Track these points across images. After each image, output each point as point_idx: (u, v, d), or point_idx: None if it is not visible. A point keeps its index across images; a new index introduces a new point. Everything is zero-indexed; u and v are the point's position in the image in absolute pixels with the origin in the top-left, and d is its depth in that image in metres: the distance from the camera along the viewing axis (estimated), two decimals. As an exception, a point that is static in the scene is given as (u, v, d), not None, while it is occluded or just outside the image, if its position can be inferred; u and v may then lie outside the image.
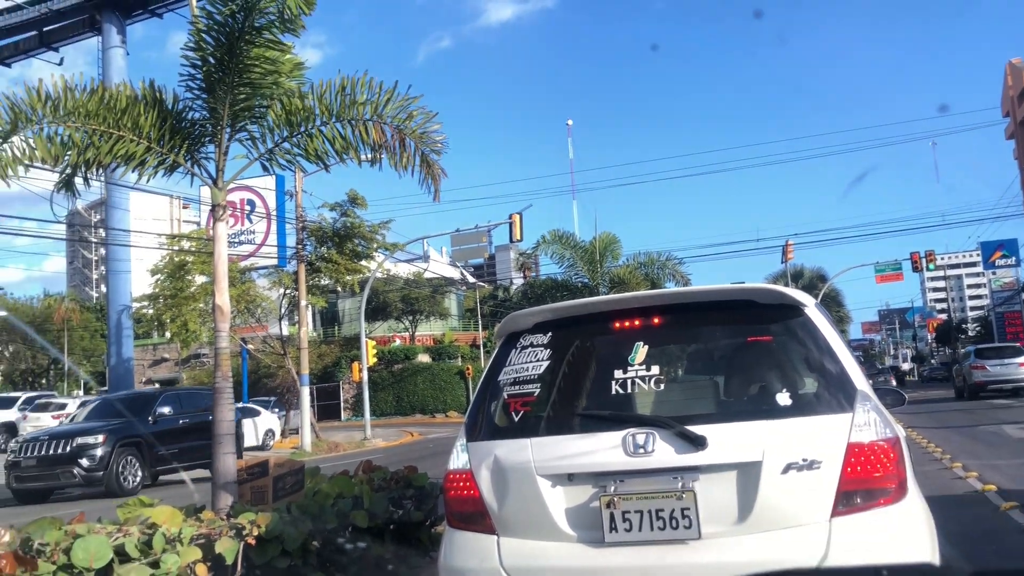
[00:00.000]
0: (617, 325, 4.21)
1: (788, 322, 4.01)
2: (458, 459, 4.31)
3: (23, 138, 6.99)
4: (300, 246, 29.56)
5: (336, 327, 57.35)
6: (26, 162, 7.03)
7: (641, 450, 3.69)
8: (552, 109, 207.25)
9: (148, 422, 16.87)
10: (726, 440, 3.63)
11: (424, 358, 51.60)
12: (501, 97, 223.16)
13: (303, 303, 29.54)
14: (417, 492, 8.06)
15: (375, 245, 31.36)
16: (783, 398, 3.77)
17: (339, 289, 38.12)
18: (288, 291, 32.24)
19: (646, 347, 4.02)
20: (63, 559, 4.84)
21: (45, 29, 39.21)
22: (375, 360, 35.42)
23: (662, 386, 3.94)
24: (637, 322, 4.15)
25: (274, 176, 29.09)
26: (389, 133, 7.38)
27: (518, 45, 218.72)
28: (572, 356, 4.32)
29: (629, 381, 3.96)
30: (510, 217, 30.15)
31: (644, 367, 3.96)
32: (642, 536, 3.65)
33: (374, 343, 36.33)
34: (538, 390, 4.18)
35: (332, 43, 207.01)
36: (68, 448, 15.51)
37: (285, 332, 34.02)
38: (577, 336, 4.38)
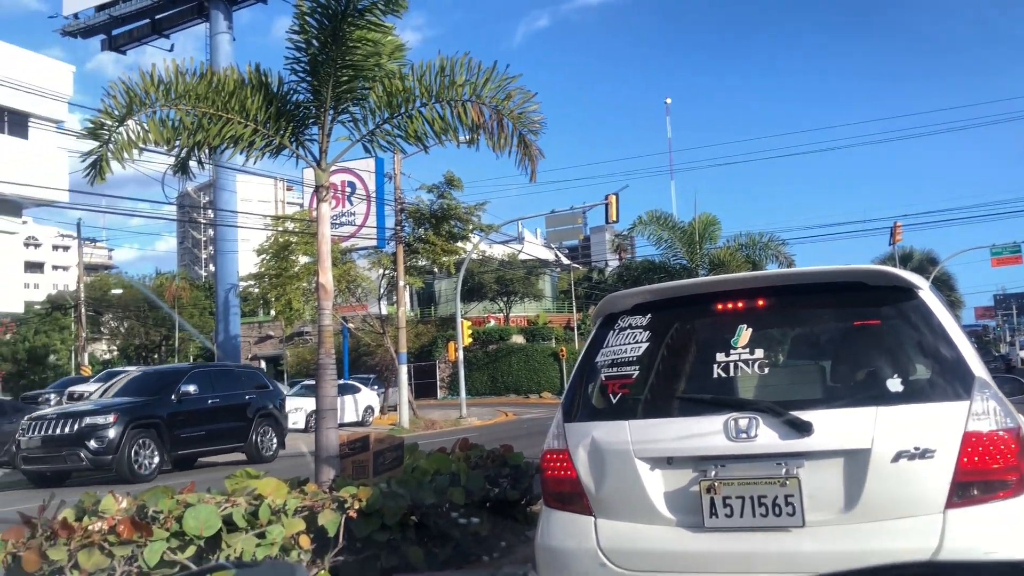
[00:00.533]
0: (720, 307, 4.12)
1: (900, 305, 3.85)
2: (555, 439, 4.32)
3: (137, 121, 7.28)
4: (398, 227, 30.04)
5: (432, 307, 58.16)
6: (140, 145, 7.33)
7: (744, 435, 3.62)
8: (650, 88, 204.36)
9: (171, 401, 15.43)
10: (833, 426, 3.52)
11: (518, 339, 51.85)
12: (597, 76, 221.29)
13: (401, 283, 30.05)
14: (513, 471, 8.12)
15: (471, 226, 31.61)
16: (894, 384, 3.62)
17: (436, 270, 38.63)
18: (387, 271, 32.84)
19: (750, 330, 3.92)
20: (175, 526, 5.06)
21: (157, 17, 40.72)
22: (470, 340, 35.80)
23: (766, 370, 3.85)
24: (740, 304, 4.06)
25: (373, 158, 29.53)
26: (487, 113, 7.39)
27: (617, 23, 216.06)
28: (672, 338, 4.25)
29: (731, 364, 3.88)
30: (606, 198, 29.92)
31: (747, 350, 3.88)
32: (743, 522, 3.58)
33: (469, 323, 36.71)
34: (636, 372, 4.13)
35: (431, 25, 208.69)
36: (75, 428, 13.94)
37: (384, 311, 34.69)
38: (677, 318, 4.31)
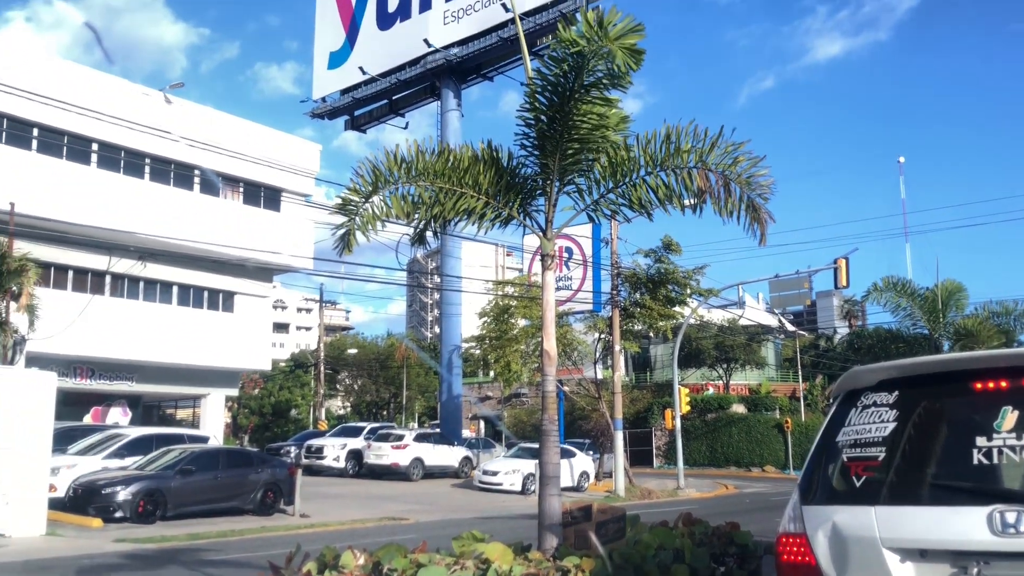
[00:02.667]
0: (979, 386, 3.81)
1: None
2: (792, 522, 4.13)
3: (381, 197, 7.83)
4: (615, 292, 30.15)
5: (648, 373, 57.53)
6: (383, 219, 7.86)
7: (1012, 529, 3.30)
8: (881, 147, 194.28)
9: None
10: None
11: (739, 408, 50.02)
12: (824, 136, 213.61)
13: (617, 348, 30.01)
14: (740, 550, 7.79)
15: (689, 291, 31.16)
16: None
17: (652, 334, 38.29)
18: (602, 335, 32.93)
19: (1016, 412, 3.58)
20: (409, 585, 5.25)
21: (394, 98, 44.03)
22: (688, 408, 34.98)
23: None
24: (1004, 383, 3.73)
25: (591, 224, 30.01)
26: (713, 179, 7.32)
27: (845, 82, 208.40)
28: (922, 418, 3.96)
29: (995, 450, 3.56)
30: (835, 262, 28.55)
31: (1013, 435, 3.54)
32: (1013, 627, 3.23)
33: (687, 390, 35.94)
34: (883, 454, 3.89)
35: (652, 91, 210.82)
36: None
37: (599, 376, 34.72)
38: (928, 396, 4.02)
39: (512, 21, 35.86)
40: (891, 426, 3.92)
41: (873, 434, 3.96)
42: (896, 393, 4.02)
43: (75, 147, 28.42)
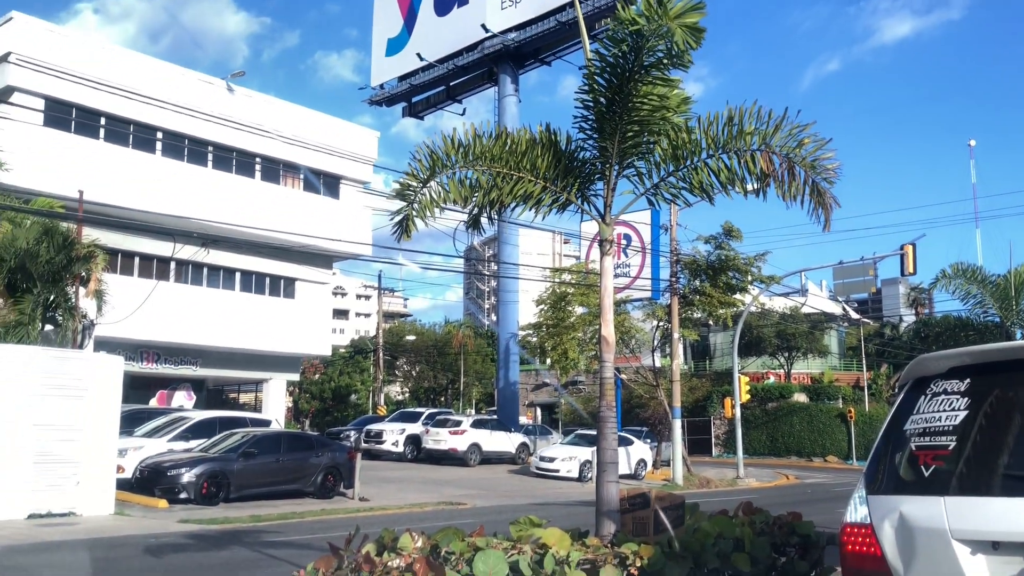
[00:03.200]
0: None
1: None
2: (856, 511, 4.04)
3: (438, 182, 7.82)
4: (673, 279, 29.84)
5: (707, 361, 56.94)
6: (441, 204, 7.85)
7: None
8: (951, 130, 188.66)
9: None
10: None
11: (800, 397, 49.21)
12: (891, 119, 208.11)
13: (675, 335, 29.72)
14: (802, 540, 7.64)
15: (750, 278, 30.67)
16: None
17: (711, 322, 37.85)
18: (661, 323, 32.66)
19: None
20: (466, 569, 5.24)
21: (451, 84, 44.08)
22: (748, 396, 34.53)
23: None
24: None
25: (649, 211, 29.71)
26: (777, 162, 7.14)
27: (915, 63, 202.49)
28: (994, 407, 3.82)
29: None
30: (901, 248, 27.82)
31: None
32: (1090, 623, 3.11)
33: (747, 379, 35.47)
34: (953, 443, 3.77)
35: (714, 74, 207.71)
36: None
37: (657, 364, 34.46)
38: (1002, 384, 3.87)
39: (570, 4, 35.60)
40: (962, 415, 3.81)
41: (943, 423, 3.85)
42: (968, 381, 3.90)
43: (140, 135, 29.10)
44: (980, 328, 23.77)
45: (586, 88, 7.30)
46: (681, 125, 7.42)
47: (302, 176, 33.69)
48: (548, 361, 38.50)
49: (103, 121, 28.26)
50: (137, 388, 28.84)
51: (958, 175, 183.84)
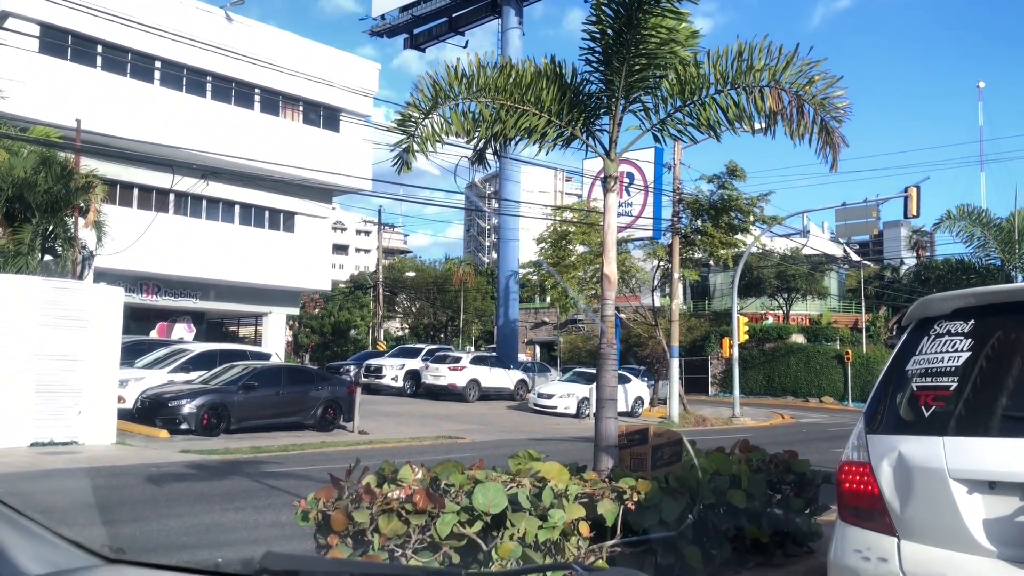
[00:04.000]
0: None
1: None
2: (856, 451, 4.07)
3: (441, 114, 7.69)
4: (675, 218, 29.70)
5: (707, 301, 57.04)
6: (443, 136, 7.73)
7: None
8: (959, 71, 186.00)
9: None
10: None
11: (798, 338, 49.43)
12: (899, 60, 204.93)
13: (676, 275, 29.72)
14: (797, 478, 7.72)
15: (752, 219, 30.51)
16: None
17: (712, 262, 37.80)
18: (661, 263, 32.61)
19: None
20: (465, 501, 5.28)
21: (454, 15, 43.30)
22: (746, 337, 34.67)
23: None
24: None
25: (652, 149, 29.44)
26: (787, 99, 7.01)
27: (925, 1, 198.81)
28: (996, 348, 3.81)
29: None
30: (905, 190, 27.62)
31: None
32: (1085, 563, 3.15)
33: (745, 319, 35.56)
34: (954, 384, 3.77)
35: (723, 10, 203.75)
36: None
37: (656, 303, 34.51)
38: (1006, 326, 3.85)
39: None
40: (964, 356, 3.80)
41: (945, 363, 3.85)
42: (972, 322, 3.88)
43: (138, 64, 28.67)
44: (981, 271, 23.80)
45: (593, 19, 7.13)
46: (689, 59, 7.26)
47: (302, 108, 33.29)
48: (548, 300, 38.59)
49: (100, 49, 27.80)
50: (137, 320, 28.93)
51: (965, 117, 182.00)
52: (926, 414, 3.81)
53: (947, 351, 3.88)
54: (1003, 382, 3.71)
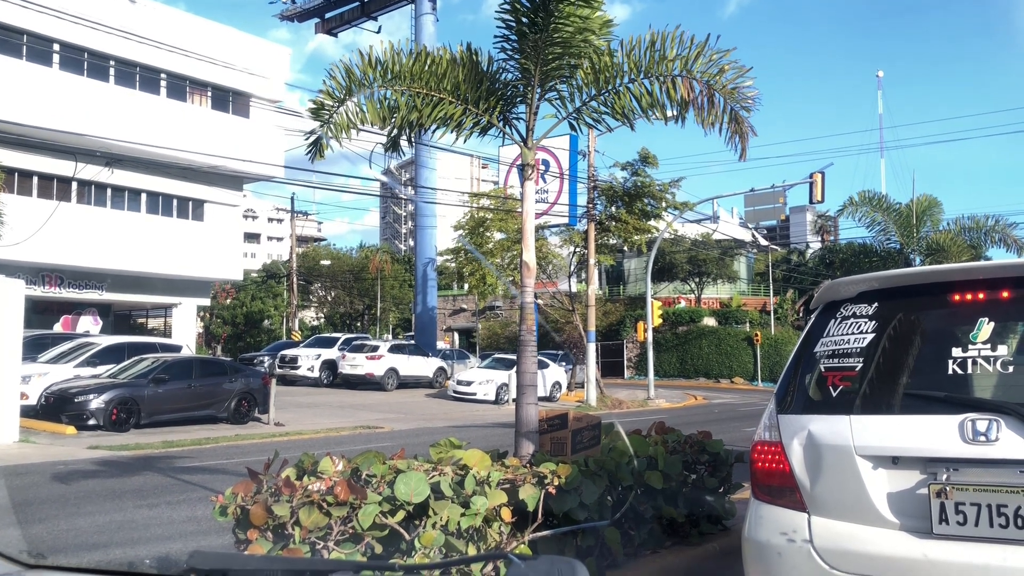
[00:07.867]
0: (957, 298, 3.83)
1: None
2: (767, 430, 4.19)
3: (355, 102, 7.60)
4: (590, 205, 30.04)
5: (622, 286, 57.91)
6: (357, 125, 7.65)
7: (982, 437, 3.37)
8: (860, 60, 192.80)
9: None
10: None
11: (710, 321, 50.69)
12: (802, 49, 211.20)
13: (591, 261, 30.09)
14: (712, 458, 7.93)
15: (664, 205, 31.10)
16: None
17: (626, 248, 38.38)
18: (577, 249, 32.96)
19: (992, 324, 3.61)
20: (387, 492, 5.28)
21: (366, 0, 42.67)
22: (660, 321, 35.37)
23: (1010, 368, 3.52)
24: (982, 295, 3.75)
25: (567, 136, 29.69)
26: (698, 89, 7.16)
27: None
28: (899, 329, 3.98)
29: (969, 361, 3.61)
30: (811, 176, 28.52)
31: (988, 346, 3.58)
32: (979, 532, 3.34)
33: (659, 304, 36.26)
34: (859, 364, 3.92)
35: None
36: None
37: (573, 289, 34.90)
38: (907, 308, 4.03)
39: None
40: (869, 337, 3.94)
41: (851, 345, 3.98)
42: (876, 304, 4.03)
43: (36, 47, 27.41)
44: (882, 254, 24.77)
45: (508, 7, 7.14)
46: (604, 48, 7.34)
47: (210, 94, 32.37)
48: (466, 287, 38.55)
49: (-7, 31, 26.51)
50: (40, 313, 27.80)
51: (866, 106, 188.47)
52: (834, 394, 3.94)
53: (852, 333, 4.02)
54: (905, 362, 3.86)
